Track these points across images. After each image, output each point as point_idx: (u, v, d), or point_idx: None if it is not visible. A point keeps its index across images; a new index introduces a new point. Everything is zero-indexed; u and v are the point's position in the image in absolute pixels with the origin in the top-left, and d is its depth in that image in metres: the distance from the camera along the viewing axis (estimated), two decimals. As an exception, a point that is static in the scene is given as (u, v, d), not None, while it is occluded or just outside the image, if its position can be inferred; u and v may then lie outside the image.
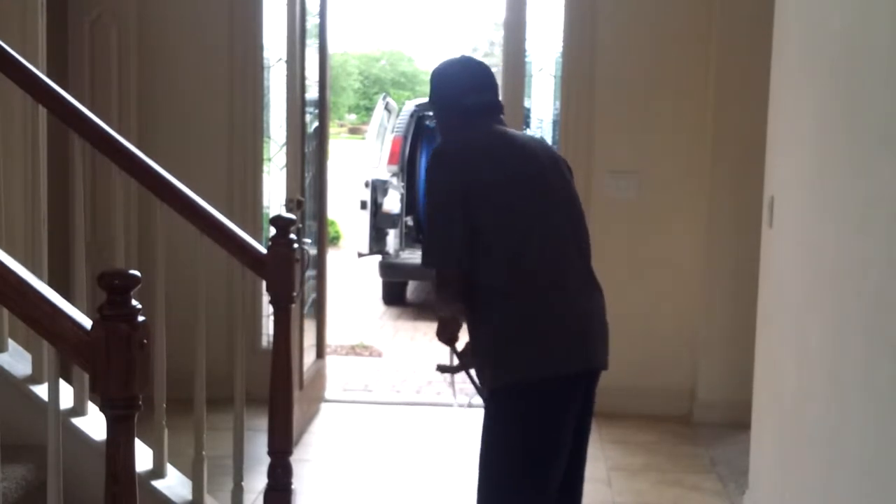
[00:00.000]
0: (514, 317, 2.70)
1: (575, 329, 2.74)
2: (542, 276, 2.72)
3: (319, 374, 5.46)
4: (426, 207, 2.86)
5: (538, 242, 2.73)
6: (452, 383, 3.10)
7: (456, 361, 2.97)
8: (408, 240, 9.29)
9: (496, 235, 2.69)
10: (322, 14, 5.24)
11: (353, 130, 31.23)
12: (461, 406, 3.09)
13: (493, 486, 2.77)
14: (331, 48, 5.53)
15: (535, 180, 2.80)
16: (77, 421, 3.08)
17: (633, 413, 5.05)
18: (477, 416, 3.05)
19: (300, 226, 4.34)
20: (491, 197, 2.71)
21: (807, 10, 3.28)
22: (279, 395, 3.26)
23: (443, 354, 3.06)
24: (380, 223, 8.90)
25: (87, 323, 1.87)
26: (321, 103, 5.39)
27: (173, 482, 3.17)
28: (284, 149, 4.93)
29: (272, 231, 3.23)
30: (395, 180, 9.23)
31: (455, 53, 3.21)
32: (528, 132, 5.84)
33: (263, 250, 3.24)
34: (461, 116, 2.91)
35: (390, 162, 9.21)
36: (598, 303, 2.85)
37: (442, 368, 3.01)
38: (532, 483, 2.71)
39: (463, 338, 2.91)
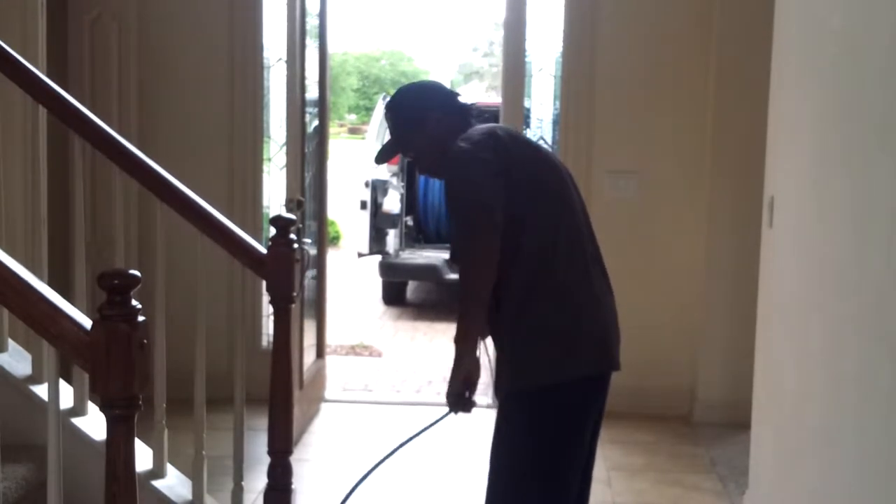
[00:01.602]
0: (545, 317, 2.61)
1: (601, 330, 2.70)
2: (570, 276, 2.65)
3: (319, 374, 5.46)
4: (455, 199, 2.63)
5: (565, 241, 2.66)
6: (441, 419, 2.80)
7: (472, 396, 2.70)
8: (408, 240, 9.29)
9: (528, 233, 2.61)
10: (322, 14, 5.24)
11: (353, 130, 31.23)
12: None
13: (514, 489, 2.66)
14: (331, 48, 5.53)
15: (555, 179, 2.75)
16: (77, 421, 3.08)
17: (633, 413, 5.04)
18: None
19: (300, 226, 4.34)
20: (522, 193, 2.62)
21: (807, 10, 3.28)
22: (279, 395, 3.26)
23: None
24: (380, 223, 8.90)
25: (87, 323, 1.86)
26: (321, 103, 5.39)
27: (173, 482, 3.17)
28: (284, 149, 4.94)
29: (272, 231, 3.23)
30: (395, 180, 9.23)
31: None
32: (528, 133, 5.83)
33: (263, 250, 3.23)
34: (461, 116, 2.81)
35: (390, 162, 9.20)
36: (613, 303, 2.80)
37: (463, 407, 2.69)
38: (556, 485, 2.65)
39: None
